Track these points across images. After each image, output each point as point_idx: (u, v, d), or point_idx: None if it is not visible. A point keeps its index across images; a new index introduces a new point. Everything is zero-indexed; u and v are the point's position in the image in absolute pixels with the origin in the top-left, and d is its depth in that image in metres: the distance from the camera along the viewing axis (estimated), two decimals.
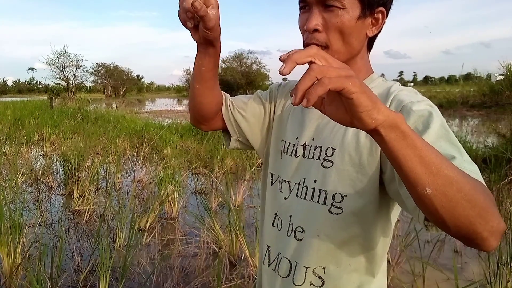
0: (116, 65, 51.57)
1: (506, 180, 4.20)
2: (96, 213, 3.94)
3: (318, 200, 0.72)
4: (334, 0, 0.67)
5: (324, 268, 0.73)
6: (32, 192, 4.73)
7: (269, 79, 42.46)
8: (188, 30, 0.69)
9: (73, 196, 4.24)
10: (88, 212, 3.84)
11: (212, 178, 5.04)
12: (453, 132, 0.60)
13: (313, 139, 0.76)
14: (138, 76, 65.57)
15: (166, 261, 2.91)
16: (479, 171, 0.53)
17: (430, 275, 2.63)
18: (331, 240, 0.72)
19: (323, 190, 0.72)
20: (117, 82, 51.06)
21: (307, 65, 0.47)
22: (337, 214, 0.70)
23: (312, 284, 0.74)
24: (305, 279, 0.74)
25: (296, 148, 0.79)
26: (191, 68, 0.79)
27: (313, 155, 0.75)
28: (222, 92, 0.86)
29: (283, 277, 0.77)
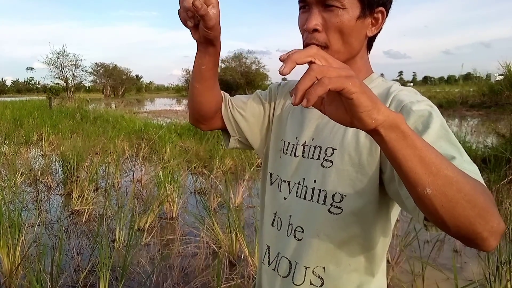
0: (115, 65, 51.58)
1: (505, 180, 4.20)
2: (95, 213, 3.94)
3: (318, 200, 0.72)
4: (334, 0, 0.67)
5: (323, 268, 0.73)
6: (31, 192, 4.73)
7: (269, 79, 42.49)
8: (188, 30, 0.69)
9: (72, 196, 4.24)
10: (87, 212, 3.84)
11: (212, 178, 5.04)
12: (452, 132, 0.60)
13: (313, 139, 0.76)
14: (137, 76, 65.58)
15: (166, 261, 2.91)
16: (479, 171, 0.53)
17: (429, 275, 2.63)
18: (331, 240, 0.72)
19: (323, 190, 0.72)
20: (116, 82, 51.02)
21: (306, 65, 0.47)
22: (336, 214, 0.70)
23: (312, 284, 0.74)
24: (304, 278, 0.74)
25: (296, 148, 0.79)
26: (191, 68, 0.79)
27: (313, 155, 0.75)
28: (222, 91, 0.86)
29: (282, 276, 0.77)
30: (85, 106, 15.12)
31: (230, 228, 2.88)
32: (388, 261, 2.71)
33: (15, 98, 30.20)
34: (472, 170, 0.52)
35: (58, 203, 4.36)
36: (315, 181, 0.73)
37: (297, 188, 0.76)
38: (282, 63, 0.46)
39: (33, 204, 4.26)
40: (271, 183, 0.84)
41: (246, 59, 41.22)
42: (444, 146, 0.55)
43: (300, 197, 0.75)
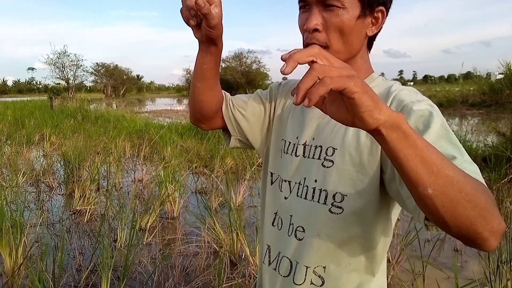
0: (116, 65, 51.69)
1: (506, 179, 4.21)
2: (97, 213, 3.95)
3: (319, 199, 0.72)
4: (334, 0, 0.67)
5: (324, 268, 0.73)
6: (33, 192, 4.74)
7: (269, 78, 42.51)
8: (189, 29, 0.69)
9: (74, 196, 4.24)
10: (89, 212, 3.85)
11: (213, 177, 5.04)
12: (453, 131, 0.60)
13: (314, 138, 0.76)
14: (138, 76, 65.63)
15: (167, 261, 2.92)
16: (479, 171, 0.54)
17: (430, 274, 2.64)
18: (332, 239, 0.72)
19: (324, 190, 0.72)
20: (117, 81, 51.09)
21: (307, 65, 0.47)
22: (337, 213, 0.70)
23: (313, 283, 0.74)
24: (305, 278, 0.74)
25: (296, 148, 0.79)
26: (191, 68, 0.79)
27: (314, 155, 0.75)
28: (223, 91, 0.86)
29: (283, 276, 0.78)
30: (86, 106, 15.12)
31: (231, 228, 2.88)
32: (388, 260, 2.71)
33: (16, 98, 30.29)
34: (473, 170, 0.52)
35: (60, 203, 4.37)
36: (315, 181, 0.73)
37: (298, 188, 0.76)
38: (284, 62, 0.47)
39: (35, 204, 4.27)
40: (272, 183, 0.84)
41: (247, 58, 41.29)
42: (444, 145, 0.56)
43: (300, 197, 0.76)
